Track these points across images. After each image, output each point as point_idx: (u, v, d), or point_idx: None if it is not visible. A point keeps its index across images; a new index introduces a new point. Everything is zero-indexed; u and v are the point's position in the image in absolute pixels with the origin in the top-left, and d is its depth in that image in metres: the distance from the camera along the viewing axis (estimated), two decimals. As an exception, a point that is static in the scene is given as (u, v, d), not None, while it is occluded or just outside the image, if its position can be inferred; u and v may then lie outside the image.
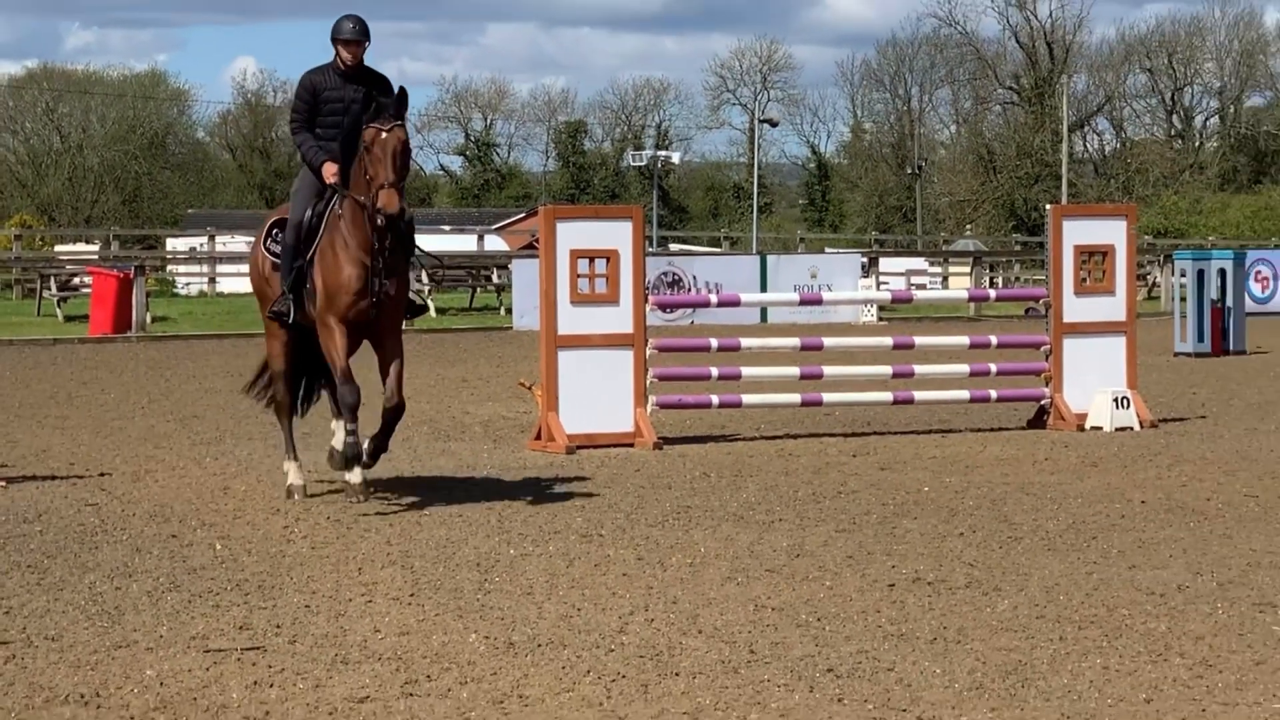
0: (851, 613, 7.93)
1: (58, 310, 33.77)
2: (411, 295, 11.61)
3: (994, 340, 16.40)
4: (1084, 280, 15.75)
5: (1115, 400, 15.23)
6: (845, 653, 7.18)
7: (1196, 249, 34.15)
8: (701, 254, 47.94)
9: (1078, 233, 15.82)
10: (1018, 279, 48.53)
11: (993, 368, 16.02)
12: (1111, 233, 15.96)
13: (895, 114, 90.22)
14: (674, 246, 58.58)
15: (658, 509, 10.90)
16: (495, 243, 53.42)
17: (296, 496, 11.33)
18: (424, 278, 33.11)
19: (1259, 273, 36.55)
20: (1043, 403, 15.66)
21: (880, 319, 32.97)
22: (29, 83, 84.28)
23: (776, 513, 10.75)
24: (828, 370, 15.78)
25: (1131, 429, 15.16)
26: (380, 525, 10.32)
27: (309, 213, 11.16)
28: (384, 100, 10.83)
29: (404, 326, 11.47)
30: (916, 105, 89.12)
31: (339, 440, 11.42)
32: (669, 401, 14.99)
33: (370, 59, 11.34)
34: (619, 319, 14.48)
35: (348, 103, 11.09)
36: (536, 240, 17.86)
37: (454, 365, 22.71)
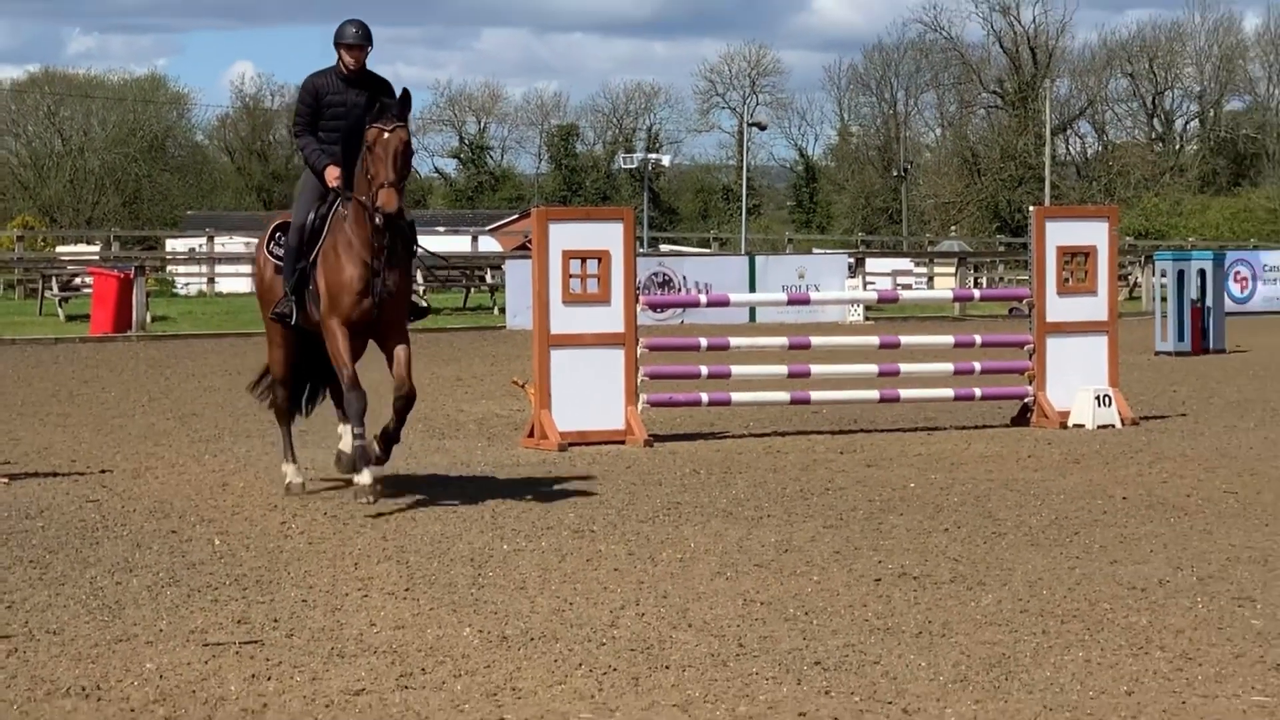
0: (838, 607, 7.97)
1: (59, 310, 33.78)
2: (414, 298, 11.66)
3: (978, 339, 16.49)
4: (1066, 280, 15.85)
5: (1097, 398, 15.33)
6: (832, 646, 7.22)
7: (1177, 250, 34.24)
8: (691, 255, 47.97)
9: (1060, 234, 15.91)
10: (1002, 279, 48.59)
11: (977, 366, 16.10)
12: (1093, 234, 16.06)
13: (881, 117, 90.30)
14: (664, 247, 58.58)
15: (648, 505, 10.95)
16: (489, 244, 53.51)
17: (295, 493, 11.39)
18: (419, 277, 33.12)
19: (1238, 273, 36.67)
20: (1026, 401, 15.75)
21: (867, 318, 33.02)
22: (31, 87, 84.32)
23: (765, 509, 10.80)
24: (815, 369, 15.86)
25: (1113, 426, 15.25)
26: (376, 521, 10.35)
27: (312, 215, 11.18)
28: (387, 101, 10.89)
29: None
30: (902, 109, 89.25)
31: (346, 444, 11.42)
32: (659, 399, 15.06)
33: (368, 63, 11.40)
34: (610, 318, 14.57)
35: (350, 106, 11.10)
36: (529, 241, 17.95)
37: (448, 364, 22.79)
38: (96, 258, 40.89)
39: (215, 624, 7.66)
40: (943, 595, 8.23)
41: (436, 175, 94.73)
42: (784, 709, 6.35)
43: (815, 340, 16.35)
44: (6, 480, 12.00)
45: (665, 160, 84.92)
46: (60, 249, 49.37)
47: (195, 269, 46.45)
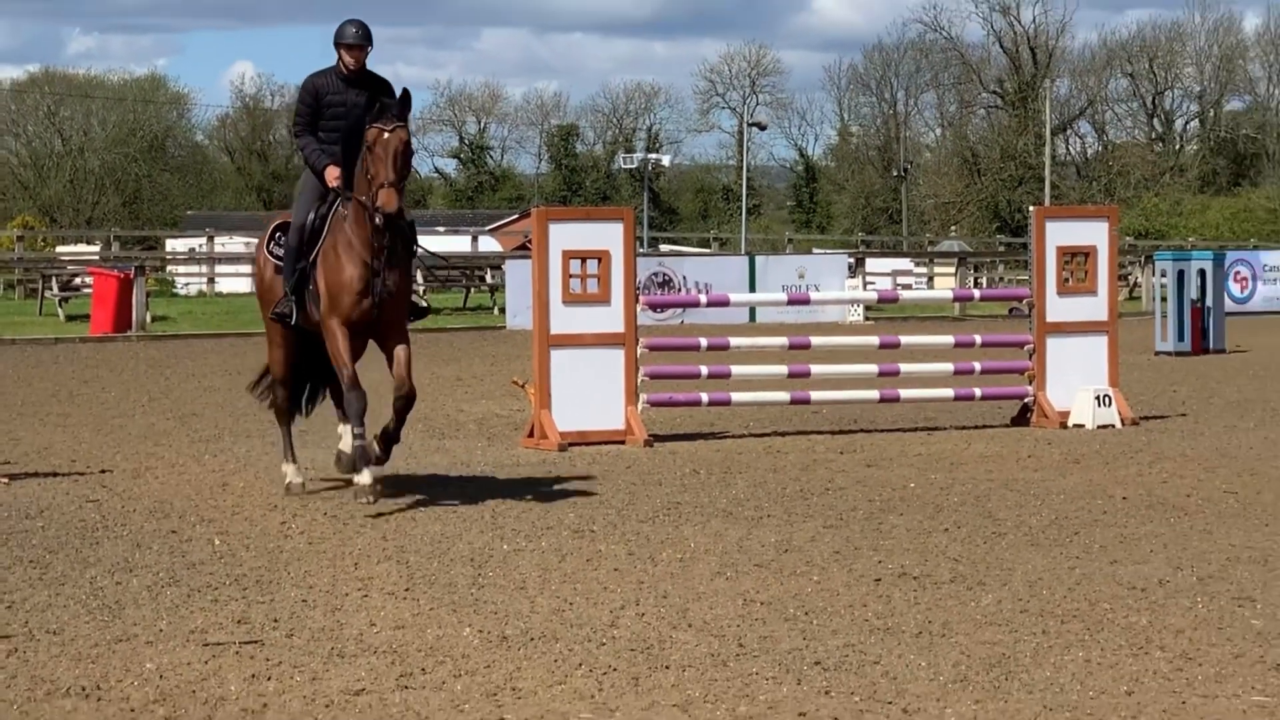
0: (838, 607, 7.98)
1: (59, 310, 33.80)
2: (414, 298, 11.67)
3: (978, 339, 16.50)
4: (1066, 280, 15.86)
5: (1097, 398, 15.34)
6: (832, 646, 7.23)
7: (1177, 250, 34.27)
8: (691, 255, 48.00)
9: (1060, 234, 15.93)
10: (1001, 279, 48.61)
11: (977, 366, 16.12)
12: (1093, 234, 16.07)
13: (881, 117, 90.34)
14: (664, 247, 58.61)
15: (648, 505, 10.96)
16: (489, 244, 53.53)
17: (295, 493, 11.39)
18: (419, 277, 33.14)
19: (1238, 273, 36.69)
20: (1026, 400, 15.77)
21: (867, 318, 33.03)
22: (31, 87, 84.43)
23: (765, 509, 10.81)
24: (815, 369, 15.87)
25: (1113, 426, 15.26)
26: (376, 521, 10.36)
27: (312, 215, 11.19)
28: (387, 101, 10.90)
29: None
30: (902, 109, 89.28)
31: (346, 444, 11.42)
32: (659, 399, 15.07)
33: (368, 63, 11.41)
34: (610, 318, 14.58)
35: (350, 106, 11.10)
36: (529, 241, 17.95)
37: (448, 364, 22.81)
38: (96, 258, 40.93)
39: (215, 624, 7.67)
40: (943, 595, 8.24)
41: (436, 175, 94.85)
42: (784, 709, 6.35)
43: (815, 340, 16.36)
44: (6, 480, 12.01)
45: (665, 160, 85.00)
46: (60, 249, 49.42)
47: (195, 269, 46.50)
